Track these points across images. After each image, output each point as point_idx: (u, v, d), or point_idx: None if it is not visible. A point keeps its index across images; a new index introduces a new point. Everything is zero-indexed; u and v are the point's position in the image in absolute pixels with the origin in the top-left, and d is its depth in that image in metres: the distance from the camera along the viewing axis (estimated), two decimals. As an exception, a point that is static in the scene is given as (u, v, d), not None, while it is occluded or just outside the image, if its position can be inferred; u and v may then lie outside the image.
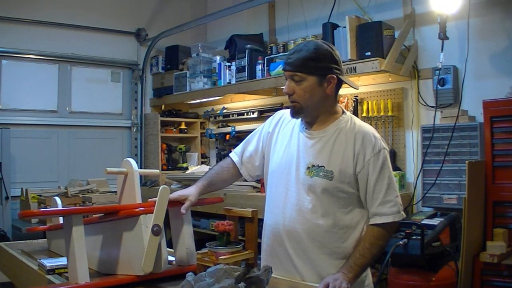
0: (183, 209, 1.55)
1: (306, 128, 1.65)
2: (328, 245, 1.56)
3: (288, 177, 1.63)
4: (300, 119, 1.67)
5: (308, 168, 1.58)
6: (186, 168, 4.31)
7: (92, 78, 4.46)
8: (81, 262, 1.27)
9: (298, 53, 1.58)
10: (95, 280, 1.33)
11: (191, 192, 1.63)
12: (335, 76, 1.56)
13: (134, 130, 4.68)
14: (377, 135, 1.60)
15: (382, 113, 3.29)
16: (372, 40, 2.98)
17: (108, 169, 1.47)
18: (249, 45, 3.79)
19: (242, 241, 2.02)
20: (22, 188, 3.68)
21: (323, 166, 1.56)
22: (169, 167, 4.53)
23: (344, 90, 3.51)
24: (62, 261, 1.51)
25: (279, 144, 1.70)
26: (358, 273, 1.50)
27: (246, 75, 3.75)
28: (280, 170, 1.66)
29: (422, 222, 2.53)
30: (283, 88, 1.66)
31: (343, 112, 1.66)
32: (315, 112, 1.61)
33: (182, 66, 4.47)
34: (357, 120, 1.65)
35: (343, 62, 3.18)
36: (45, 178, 4.09)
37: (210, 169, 1.89)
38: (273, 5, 4.20)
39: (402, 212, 1.57)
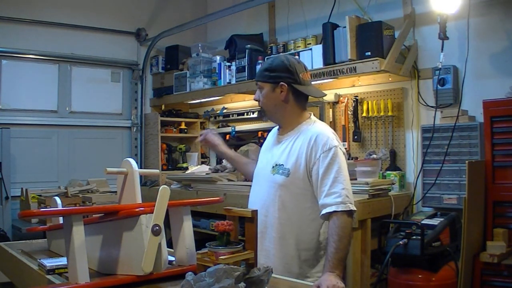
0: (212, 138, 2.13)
1: (277, 136, 1.92)
2: (286, 235, 1.78)
3: (260, 177, 1.92)
4: (277, 130, 1.95)
5: (273, 167, 1.84)
6: (186, 168, 4.31)
7: (92, 78, 4.46)
8: (81, 262, 1.27)
9: (261, 66, 1.97)
10: (95, 280, 1.33)
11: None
12: (285, 84, 1.80)
13: (134, 130, 4.68)
14: (332, 135, 1.79)
15: (382, 113, 3.29)
16: (372, 40, 2.99)
17: (108, 169, 1.47)
18: (249, 45, 3.79)
19: (242, 241, 2.02)
20: (22, 188, 3.67)
21: (283, 164, 1.81)
22: (169, 167, 4.53)
23: (344, 90, 3.55)
24: (62, 261, 1.50)
25: (262, 155, 1.99)
26: (342, 267, 1.62)
27: (246, 75, 3.74)
28: (258, 172, 1.96)
29: (422, 222, 2.53)
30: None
31: (309, 117, 1.89)
32: (275, 115, 1.88)
33: (182, 66, 4.47)
34: (319, 123, 1.88)
35: (343, 62, 3.20)
36: (45, 178, 4.09)
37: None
38: (273, 5, 4.20)
39: (349, 204, 1.68)
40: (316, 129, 1.81)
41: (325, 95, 2.02)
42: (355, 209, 1.72)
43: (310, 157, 1.75)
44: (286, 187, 1.78)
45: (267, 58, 1.95)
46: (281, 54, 1.99)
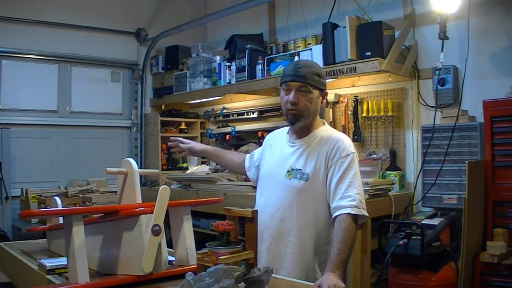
0: (181, 143, 2.10)
1: (289, 139, 1.91)
2: (305, 240, 1.76)
3: (271, 181, 1.88)
4: (287, 133, 1.94)
5: (288, 171, 1.82)
6: (186, 168, 4.31)
7: (92, 78, 4.46)
8: (81, 262, 1.27)
9: (307, 68, 1.82)
10: (95, 280, 1.33)
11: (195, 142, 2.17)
12: (326, 92, 1.88)
13: (134, 130, 4.67)
14: (349, 142, 1.81)
15: (382, 113, 3.29)
16: (372, 40, 2.98)
17: (108, 169, 1.47)
18: (249, 45, 3.79)
19: (242, 241, 2.02)
20: (22, 188, 3.67)
21: (300, 169, 1.80)
22: (169, 167, 4.53)
23: (344, 90, 3.55)
24: (62, 261, 1.51)
25: (269, 157, 1.96)
26: (343, 268, 1.62)
27: (246, 75, 3.74)
28: (267, 176, 1.92)
29: (422, 222, 2.53)
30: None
31: (324, 124, 1.92)
32: (308, 120, 1.85)
33: (182, 66, 4.47)
34: (334, 131, 1.91)
35: (343, 62, 3.21)
36: (45, 178, 4.09)
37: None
38: (273, 5, 4.20)
39: (363, 210, 1.70)
40: (336, 135, 1.84)
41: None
42: (367, 214, 1.73)
43: (328, 160, 1.77)
44: (304, 191, 1.77)
45: (307, 63, 1.92)
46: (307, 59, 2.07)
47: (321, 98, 1.85)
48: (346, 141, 1.81)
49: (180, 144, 2.14)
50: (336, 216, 1.70)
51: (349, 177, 1.73)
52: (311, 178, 1.77)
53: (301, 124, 1.84)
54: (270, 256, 1.81)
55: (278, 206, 1.81)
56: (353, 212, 1.67)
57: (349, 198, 1.69)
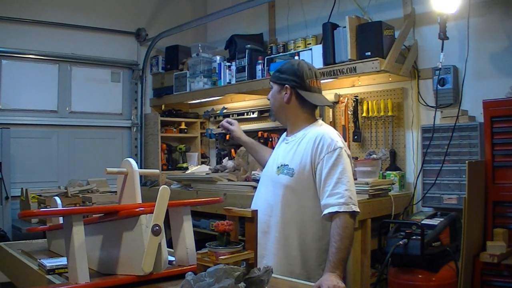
0: (229, 123, 2.15)
1: (285, 137, 1.96)
2: (289, 235, 1.78)
3: (265, 177, 1.95)
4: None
5: (278, 167, 1.86)
6: (186, 168, 4.31)
7: (92, 78, 4.46)
8: (81, 262, 1.27)
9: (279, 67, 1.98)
10: (95, 280, 1.33)
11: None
12: (289, 86, 1.86)
13: (134, 130, 4.68)
14: (337, 137, 1.80)
15: (382, 113, 3.29)
16: (372, 40, 2.98)
17: (108, 169, 1.47)
18: (249, 45, 3.79)
19: (242, 241, 2.03)
20: (22, 188, 3.67)
21: (287, 164, 1.82)
22: (169, 167, 4.53)
23: (344, 90, 3.55)
24: (62, 261, 1.50)
25: (271, 156, 2.02)
26: (343, 267, 1.63)
27: (246, 75, 3.74)
28: (264, 173, 1.99)
29: (422, 222, 2.53)
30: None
31: (317, 121, 1.92)
32: (279, 115, 1.96)
33: (182, 66, 4.47)
34: (325, 126, 1.90)
35: (343, 62, 3.19)
36: (45, 178, 4.09)
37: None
38: (273, 5, 4.20)
39: (352, 206, 1.67)
40: (322, 130, 1.82)
41: (331, 105, 2.05)
42: (358, 210, 1.71)
43: (315, 157, 1.76)
44: (290, 187, 1.78)
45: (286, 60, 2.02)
46: (297, 59, 2.14)
47: (283, 92, 1.89)
48: (333, 136, 1.79)
49: (224, 123, 2.19)
50: (327, 214, 1.69)
51: (336, 173, 1.70)
52: (297, 174, 1.77)
53: (274, 118, 2.04)
54: (258, 251, 1.82)
55: (268, 201, 1.84)
56: (341, 210, 1.65)
57: (337, 195, 1.68)
